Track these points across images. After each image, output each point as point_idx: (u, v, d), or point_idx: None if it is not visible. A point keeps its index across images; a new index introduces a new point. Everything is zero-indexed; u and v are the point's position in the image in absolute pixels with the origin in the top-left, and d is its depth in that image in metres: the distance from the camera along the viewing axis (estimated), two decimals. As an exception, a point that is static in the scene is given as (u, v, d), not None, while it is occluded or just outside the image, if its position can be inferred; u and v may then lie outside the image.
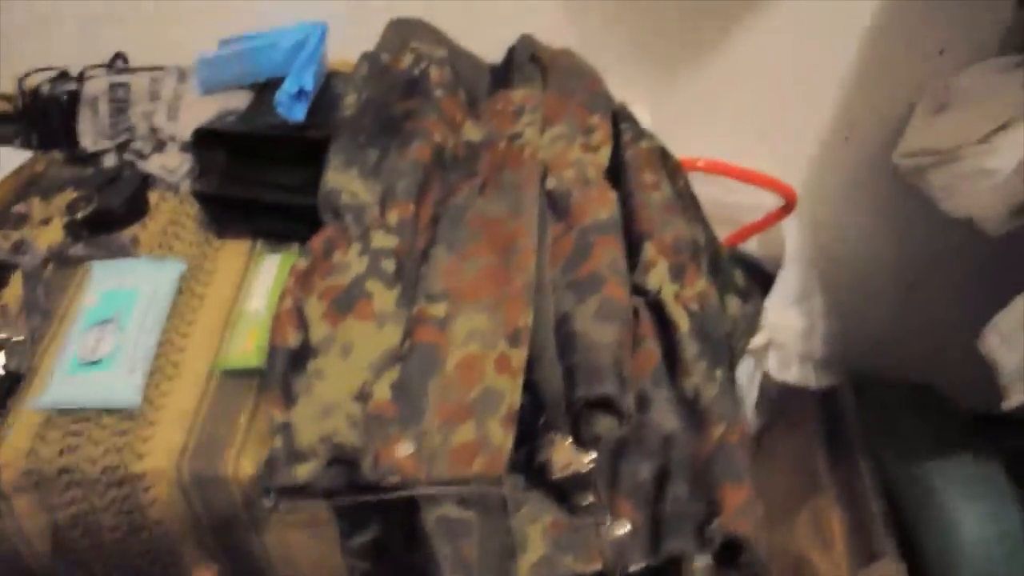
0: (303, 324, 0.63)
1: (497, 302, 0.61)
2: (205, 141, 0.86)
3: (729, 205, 1.07)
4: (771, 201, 1.07)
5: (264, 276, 0.81)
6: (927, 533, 1.01)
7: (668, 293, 0.66)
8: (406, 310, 0.64)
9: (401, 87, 0.85)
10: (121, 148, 0.95)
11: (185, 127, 0.94)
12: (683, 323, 0.63)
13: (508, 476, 0.55)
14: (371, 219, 0.71)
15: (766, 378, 1.05)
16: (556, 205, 0.71)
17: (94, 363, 0.74)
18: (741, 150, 1.05)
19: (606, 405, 0.56)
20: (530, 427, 0.58)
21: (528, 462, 0.58)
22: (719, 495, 0.55)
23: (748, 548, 0.53)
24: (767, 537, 0.53)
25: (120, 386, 0.73)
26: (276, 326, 0.63)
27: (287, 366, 0.61)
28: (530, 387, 0.58)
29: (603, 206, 0.69)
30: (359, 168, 0.76)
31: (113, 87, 0.97)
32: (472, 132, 0.82)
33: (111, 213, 0.88)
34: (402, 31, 0.96)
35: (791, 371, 1.05)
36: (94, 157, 0.95)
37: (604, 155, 0.76)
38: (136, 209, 0.90)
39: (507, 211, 0.69)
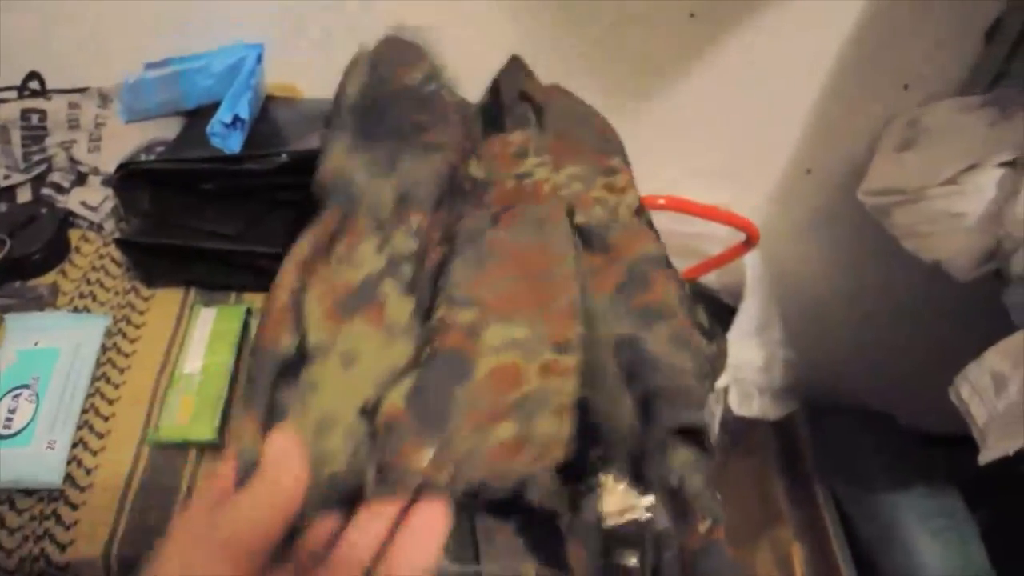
0: (297, 322, 0.52)
1: (537, 317, 0.51)
2: (129, 179, 0.78)
3: (687, 235, 1.04)
4: (729, 231, 1.04)
5: (199, 333, 0.74)
6: (888, 567, 1.00)
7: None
8: (421, 327, 0.53)
9: (413, 100, 0.74)
10: (37, 181, 0.87)
11: (108, 159, 0.86)
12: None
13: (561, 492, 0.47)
14: (388, 214, 0.61)
15: (727, 412, 1.03)
16: (591, 241, 0.61)
17: (8, 437, 0.67)
18: (701, 181, 1.02)
19: (691, 433, 0.48)
20: (576, 466, 0.49)
21: (572, 506, 0.49)
22: (712, 601, 0.51)
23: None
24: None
25: (39, 463, 0.66)
26: (268, 324, 0.51)
27: (276, 383, 0.49)
28: (579, 419, 0.48)
29: (649, 242, 0.60)
30: (367, 160, 0.65)
31: (26, 113, 0.88)
32: (476, 169, 0.75)
33: (28, 259, 0.80)
34: (403, 49, 0.88)
35: (752, 406, 1.04)
36: (6, 192, 0.86)
37: (633, 198, 0.66)
38: (55, 253, 0.82)
39: (534, 243, 0.59)
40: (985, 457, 0.78)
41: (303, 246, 0.56)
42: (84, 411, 0.70)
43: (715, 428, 1.00)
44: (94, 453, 0.68)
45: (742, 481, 1.17)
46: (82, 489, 0.66)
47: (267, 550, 0.39)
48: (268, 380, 0.49)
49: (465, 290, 0.53)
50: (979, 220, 0.84)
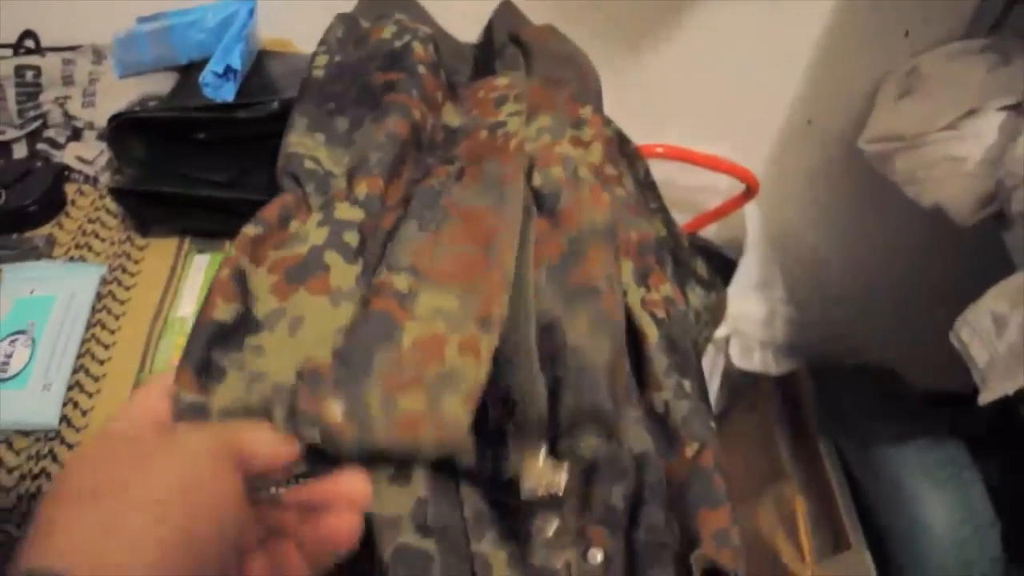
0: (241, 295, 0.53)
1: (469, 289, 0.54)
2: (123, 130, 0.78)
3: (686, 187, 1.04)
4: (728, 183, 1.04)
5: (193, 279, 0.75)
6: (893, 520, 1.00)
7: (634, 298, 0.62)
8: (366, 289, 0.55)
9: (381, 58, 0.76)
10: (32, 136, 0.87)
11: (103, 114, 0.86)
12: (651, 333, 0.59)
13: (468, 492, 0.49)
14: (336, 190, 0.63)
15: (728, 365, 1.02)
16: (543, 204, 0.64)
17: (5, 380, 0.68)
18: (701, 133, 1.01)
19: (594, 421, 0.50)
20: (497, 437, 0.51)
21: (492, 477, 0.52)
22: (696, 522, 0.51)
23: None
24: (747, 565, 0.49)
25: (35, 405, 0.67)
26: (209, 295, 0.52)
27: (212, 343, 0.50)
28: (500, 393, 0.51)
29: (597, 209, 0.62)
30: (326, 135, 0.68)
31: (21, 69, 0.88)
32: (452, 116, 0.75)
33: (23, 211, 0.80)
34: (381, 4, 0.88)
35: (753, 359, 1.03)
36: (2, 148, 0.86)
37: (596, 152, 0.69)
38: (51, 206, 0.82)
39: (489, 204, 0.61)
40: (985, 398, 0.77)
41: (249, 228, 0.58)
42: (80, 355, 0.71)
43: (717, 378, 1.00)
44: (90, 395, 0.68)
45: (746, 437, 1.16)
46: (78, 429, 0.66)
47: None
48: (203, 340, 0.50)
49: (408, 255, 0.56)
50: (979, 164, 0.83)
